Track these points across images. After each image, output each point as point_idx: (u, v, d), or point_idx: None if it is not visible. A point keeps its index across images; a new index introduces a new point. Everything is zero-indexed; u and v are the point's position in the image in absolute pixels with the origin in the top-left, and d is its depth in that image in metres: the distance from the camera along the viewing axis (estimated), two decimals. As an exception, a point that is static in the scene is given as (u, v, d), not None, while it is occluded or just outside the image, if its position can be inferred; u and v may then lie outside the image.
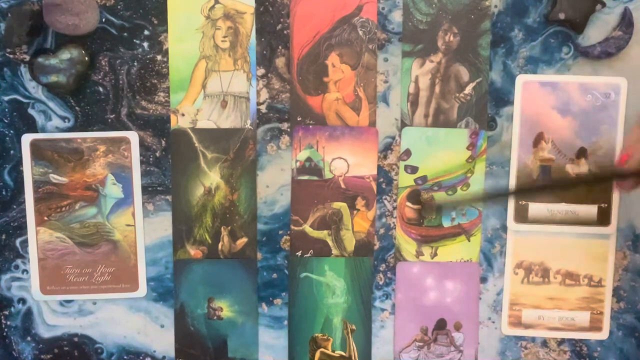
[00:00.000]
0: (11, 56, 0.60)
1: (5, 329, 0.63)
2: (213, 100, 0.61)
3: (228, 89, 0.61)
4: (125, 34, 0.60)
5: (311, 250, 0.63)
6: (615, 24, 0.60)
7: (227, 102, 0.61)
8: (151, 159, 0.62)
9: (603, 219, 0.62)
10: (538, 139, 0.62)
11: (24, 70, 0.60)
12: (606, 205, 0.62)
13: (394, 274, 0.63)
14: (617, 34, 0.60)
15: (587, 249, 0.63)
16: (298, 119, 0.61)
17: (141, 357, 0.64)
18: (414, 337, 0.64)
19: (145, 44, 0.60)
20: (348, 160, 0.62)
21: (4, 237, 0.62)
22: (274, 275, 0.63)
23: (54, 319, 0.63)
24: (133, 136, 0.61)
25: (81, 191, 0.61)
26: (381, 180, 0.62)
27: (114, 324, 0.63)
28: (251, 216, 0.62)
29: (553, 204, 0.62)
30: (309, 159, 0.62)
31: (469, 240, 0.63)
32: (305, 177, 0.62)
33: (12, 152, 0.61)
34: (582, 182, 0.62)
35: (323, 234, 0.63)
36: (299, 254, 0.63)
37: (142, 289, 0.63)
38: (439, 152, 0.62)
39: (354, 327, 0.64)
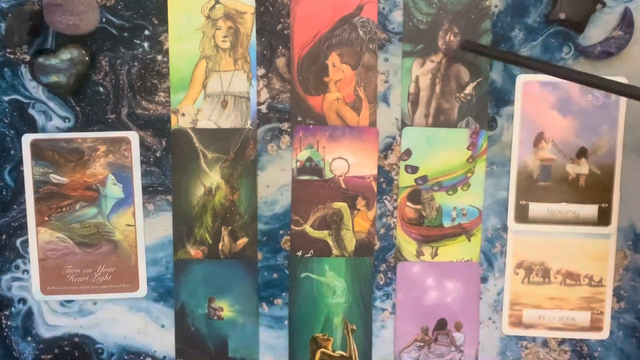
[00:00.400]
0: (11, 56, 0.60)
1: (6, 329, 0.63)
2: (213, 100, 0.61)
3: (228, 89, 0.61)
4: (126, 34, 0.60)
5: (312, 250, 0.63)
6: (616, 24, 0.60)
7: (228, 102, 0.61)
8: (151, 159, 0.62)
9: (603, 218, 0.62)
10: (538, 139, 0.62)
11: (24, 70, 0.60)
12: (606, 205, 0.62)
13: (395, 274, 0.63)
14: (618, 33, 0.60)
15: (587, 248, 0.63)
16: (298, 119, 0.61)
17: (141, 357, 0.64)
18: (414, 337, 0.64)
19: (146, 44, 0.60)
20: (348, 160, 0.62)
21: (4, 237, 0.62)
22: (275, 275, 0.63)
23: (54, 319, 0.63)
24: (133, 136, 0.61)
25: (81, 191, 0.61)
26: (381, 180, 0.62)
27: (114, 324, 0.63)
28: (251, 216, 0.62)
29: (553, 203, 0.62)
30: (309, 159, 0.62)
31: (470, 240, 0.63)
32: (306, 177, 0.62)
33: (12, 152, 0.61)
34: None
35: (323, 234, 0.63)
36: (299, 254, 0.63)
37: (143, 289, 0.63)
38: (440, 152, 0.62)
39: (354, 327, 0.64)
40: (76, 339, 0.63)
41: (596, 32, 0.60)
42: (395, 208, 0.63)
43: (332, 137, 0.62)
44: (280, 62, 0.61)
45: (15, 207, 0.62)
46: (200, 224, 0.62)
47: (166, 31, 0.60)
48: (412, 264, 0.63)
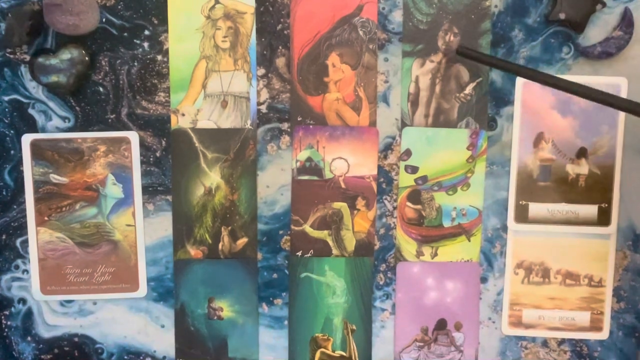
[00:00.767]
0: (11, 56, 0.60)
1: (6, 329, 0.63)
2: (213, 100, 0.61)
3: (228, 89, 0.61)
4: (126, 34, 0.60)
5: (311, 250, 0.63)
6: (616, 24, 0.60)
7: (228, 102, 0.61)
8: (151, 159, 0.62)
9: (603, 219, 0.62)
10: (538, 139, 0.62)
11: (24, 70, 0.60)
12: (606, 205, 0.62)
13: (394, 274, 0.63)
14: (617, 34, 0.60)
15: (587, 249, 0.63)
16: (298, 119, 0.61)
17: (141, 357, 0.64)
18: (414, 337, 0.64)
19: (146, 44, 0.60)
20: (348, 160, 0.62)
21: (4, 237, 0.62)
22: (274, 275, 0.63)
23: (54, 319, 0.63)
24: (133, 136, 0.61)
25: (81, 191, 0.61)
26: (381, 180, 0.62)
27: (114, 324, 0.63)
28: (251, 216, 0.62)
29: (553, 203, 0.62)
30: (309, 159, 0.62)
31: (469, 240, 0.63)
32: (306, 177, 0.62)
33: (12, 152, 0.61)
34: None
35: (323, 234, 0.63)
36: (299, 254, 0.63)
37: (143, 289, 0.63)
38: (439, 152, 0.62)
39: (354, 327, 0.64)
40: (76, 339, 0.63)
41: (596, 32, 0.60)
42: (395, 208, 0.63)
43: (332, 137, 0.62)
44: (280, 62, 0.61)
45: (15, 207, 0.62)
46: (200, 224, 0.62)
47: (166, 31, 0.60)
48: (412, 264, 0.63)
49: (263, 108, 0.61)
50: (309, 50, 0.61)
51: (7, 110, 0.60)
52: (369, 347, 0.64)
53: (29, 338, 0.63)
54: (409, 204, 0.63)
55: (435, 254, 0.63)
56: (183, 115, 0.61)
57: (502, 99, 0.61)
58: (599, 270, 0.63)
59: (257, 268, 0.63)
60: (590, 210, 0.62)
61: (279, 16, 0.60)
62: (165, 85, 0.61)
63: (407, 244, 0.63)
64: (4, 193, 0.61)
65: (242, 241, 0.62)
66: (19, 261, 0.62)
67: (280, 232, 0.63)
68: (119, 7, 0.60)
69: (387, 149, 0.62)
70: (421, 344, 0.64)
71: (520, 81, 0.61)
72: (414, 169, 0.62)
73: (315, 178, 0.62)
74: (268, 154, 0.62)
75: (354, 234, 0.63)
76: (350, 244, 0.63)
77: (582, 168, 0.62)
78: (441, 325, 0.64)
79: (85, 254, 0.62)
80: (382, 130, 0.62)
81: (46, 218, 0.61)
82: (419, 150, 0.62)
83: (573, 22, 0.60)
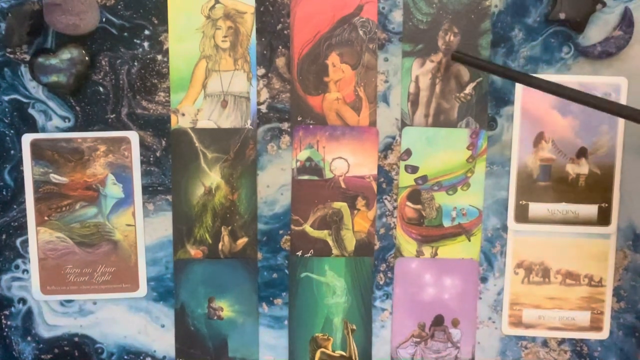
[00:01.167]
0: (11, 56, 0.60)
1: (6, 329, 0.63)
2: (213, 100, 0.61)
3: (228, 89, 0.61)
4: (126, 33, 0.60)
5: (311, 250, 0.63)
6: (616, 24, 0.60)
7: (228, 102, 0.61)
8: (151, 159, 0.62)
9: (603, 218, 0.62)
10: (538, 139, 0.62)
11: (24, 70, 0.60)
12: (606, 205, 0.62)
13: (394, 274, 0.63)
14: (618, 33, 0.60)
15: (587, 248, 0.63)
16: (298, 119, 0.61)
17: (141, 357, 0.64)
18: (411, 333, 0.64)
19: (146, 44, 0.60)
20: (348, 160, 0.62)
21: (4, 237, 0.62)
22: (275, 275, 0.63)
23: (54, 319, 0.63)
24: (133, 136, 0.61)
25: (81, 191, 0.61)
26: (381, 180, 0.62)
27: (114, 324, 0.63)
28: (251, 216, 0.62)
29: (553, 203, 0.62)
30: (309, 159, 0.62)
31: (470, 240, 0.63)
32: (306, 177, 0.62)
33: (12, 152, 0.61)
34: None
35: (323, 234, 0.63)
36: (299, 253, 0.63)
37: (143, 289, 0.63)
38: (439, 152, 0.62)
39: (354, 326, 0.64)
40: (76, 339, 0.63)
41: (596, 32, 0.60)
42: (395, 208, 0.63)
43: (332, 137, 0.62)
44: (280, 62, 0.61)
45: (15, 207, 0.62)
46: (200, 223, 0.62)
47: (166, 31, 0.60)
48: (410, 259, 0.63)
49: (263, 108, 0.61)
50: (309, 50, 0.61)
51: (7, 110, 0.60)
52: (369, 346, 0.64)
53: (29, 338, 0.63)
54: (409, 203, 0.63)
55: (435, 254, 0.63)
56: (183, 115, 0.61)
57: (502, 98, 0.61)
58: (599, 270, 0.63)
59: (257, 268, 0.63)
60: (590, 210, 0.62)
61: (279, 16, 0.60)
62: (165, 85, 0.61)
63: (407, 244, 0.63)
64: (4, 193, 0.61)
65: (242, 241, 0.62)
66: (19, 261, 0.62)
67: (280, 232, 0.63)
68: (119, 7, 0.60)
69: (387, 148, 0.62)
70: (418, 339, 0.64)
71: (520, 81, 0.61)
72: (414, 169, 0.62)
73: (315, 178, 0.62)
74: (268, 154, 0.62)
75: (354, 233, 0.63)
76: (350, 243, 0.63)
77: (582, 168, 0.62)
78: (438, 321, 0.64)
79: (85, 253, 0.62)
80: (382, 130, 0.62)
81: (46, 218, 0.61)
82: (419, 150, 0.62)
83: (573, 22, 0.60)
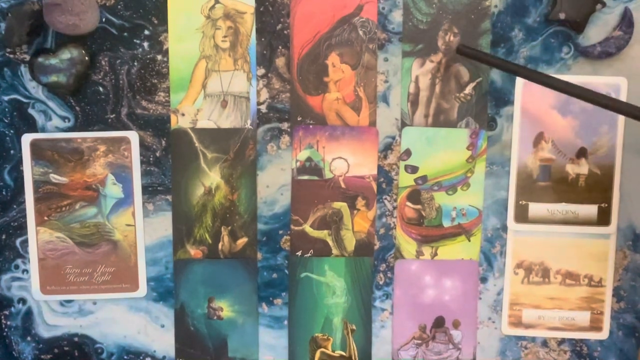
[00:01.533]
0: (11, 56, 0.60)
1: (5, 329, 0.63)
2: (213, 100, 0.61)
3: (228, 89, 0.61)
4: (126, 33, 0.60)
5: (311, 250, 0.63)
6: (616, 24, 0.60)
7: (227, 102, 0.61)
8: (151, 159, 0.62)
9: (603, 218, 0.62)
10: (538, 139, 0.62)
11: (24, 70, 0.60)
12: (606, 205, 0.62)
13: (394, 274, 0.63)
14: (617, 34, 0.60)
15: (587, 249, 0.63)
16: (298, 119, 0.61)
17: (141, 357, 0.64)
18: (412, 335, 0.64)
19: (146, 44, 0.60)
20: (348, 160, 0.62)
21: (4, 237, 0.62)
22: (274, 275, 0.63)
23: (54, 319, 0.63)
24: (133, 136, 0.61)
25: (81, 191, 0.61)
26: (381, 180, 0.62)
27: (114, 324, 0.63)
28: (251, 216, 0.62)
29: (553, 203, 0.62)
30: (309, 159, 0.62)
31: (469, 240, 0.63)
32: (306, 177, 0.62)
33: (12, 152, 0.61)
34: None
35: (323, 234, 0.63)
36: (299, 253, 0.63)
37: (142, 289, 0.63)
38: (439, 152, 0.62)
39: (354, 327, 0.64)
40: (76, 339, 0.63)
41: (596, 32, 0.60)
42: (395, 208, 0.63)
43: (332, 137, 0.62)
44: (280, 62, 0.61)
45: (15, 207, 0.62)
46: (200, 223, 0.62)
47: (166, 31, 0.60)
48: (411, 261, 0.63)
49: (263, 108, 0.61)
50: (308, 50, 0.61)
51: (7, 110, 0.60)
52: (369, 347, 0.64)
53: (28, 338, 0.63)
54: (408, 203, 0.63)
55: (435, 254, 0.63)
56: (183, 115, 0.61)
57: (502, 98, 0.61)
58: (599, 270, 0.63)
59: (257, 268, 0.63)
60: (590, 210, 0.62)
61: (279, 16, 0.60)
62: (165, 85, 0.61)
63: (407, 244, 0.63)
64: (4, 193, 0.61)
65: (242, 241, 0.62)
66: (18, 261, 0.62)
67: (280, 232, 0.63)
68: (119, 7, 0.60)
69: (387, 148, 0.62)
70: (419, 341, 0.64)
71: (520, 81, 0.61)
72: (413, 169, 0.62)
73: (315, 178, 0.62)
74: (268, 154, 0.62)
75: (354, 233, 0.63)
76: (350, 243, 0.63)
77: (582, 168, 0.62)
78: (439, 322, 0.64)
79: (85, 253, 0.62)
80: (382, 130, 0.62)
81: (46, 218, 0.61)
82: (419, 150, 0.62)
83: (573, 22, 0.60)
